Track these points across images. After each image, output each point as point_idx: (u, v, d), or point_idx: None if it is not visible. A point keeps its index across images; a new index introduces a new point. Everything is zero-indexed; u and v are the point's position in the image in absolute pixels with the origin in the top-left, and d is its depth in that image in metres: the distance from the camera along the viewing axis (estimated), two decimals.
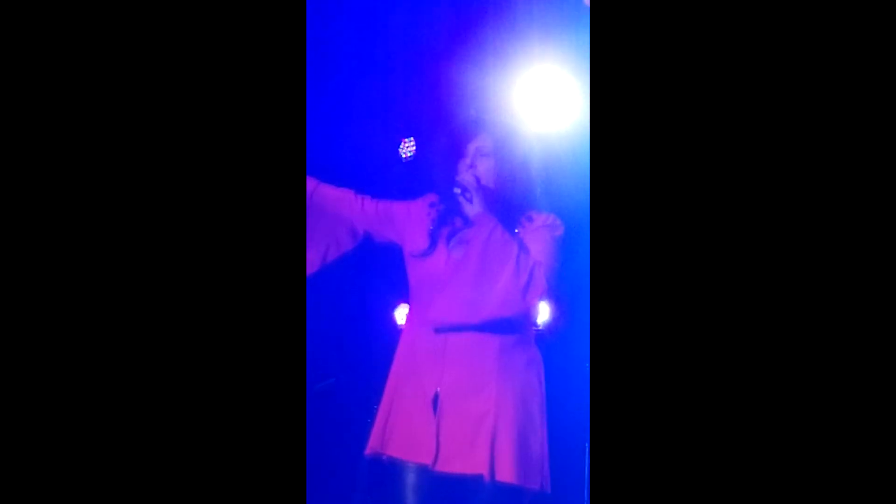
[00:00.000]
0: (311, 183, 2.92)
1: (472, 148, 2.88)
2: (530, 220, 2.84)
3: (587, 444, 4.23)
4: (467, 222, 2.87)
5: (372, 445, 2.77)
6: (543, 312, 4.06)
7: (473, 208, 2.80)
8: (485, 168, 2.86)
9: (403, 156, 4.74)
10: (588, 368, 4.21)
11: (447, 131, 2.99)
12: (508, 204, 2.86)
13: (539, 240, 2.78)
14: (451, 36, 4.28)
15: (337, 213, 2.94)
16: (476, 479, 2.66)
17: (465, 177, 2.83)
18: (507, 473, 2.65)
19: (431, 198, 2.94)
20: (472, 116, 3.01)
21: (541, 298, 2.74)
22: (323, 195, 2.94)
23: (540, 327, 2.91)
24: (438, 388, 2.72)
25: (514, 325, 2.78)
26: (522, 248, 2.73)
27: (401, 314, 4.11)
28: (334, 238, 2.93)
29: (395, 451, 2.73)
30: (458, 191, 2.81)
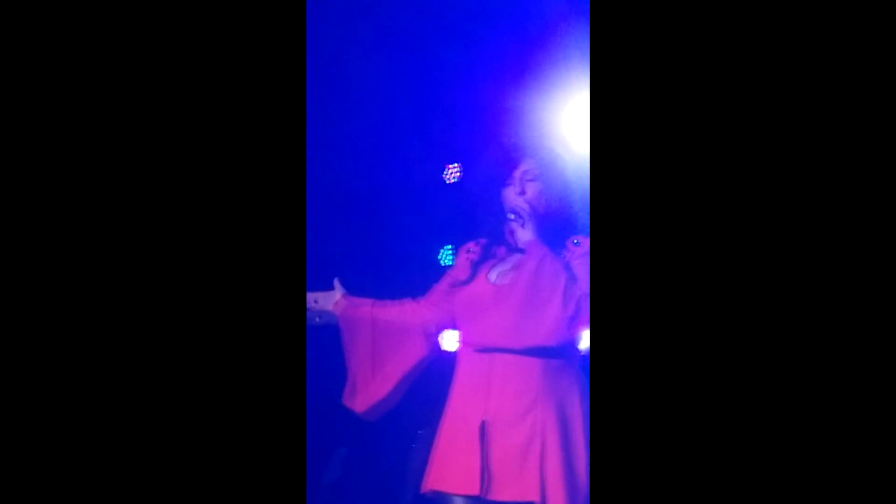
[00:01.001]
0: (363, 309, 2.95)
1: (518, 174, 2.88)
2: (577, 244, 2.83)
3: None
4: (511, 249, 2.87)
5: (430, 482, 2.78)
6: (587, 338, 4.03)
7: (525, 234, 2.81)
8: (534, 193, 2.86)
9: (448, 181, 4.76)
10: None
11: (493, 154, 2.98)
12: (556, 227, 2.86)
13: (586, 267, 2.75)
14: (494, 59, 4.29)
15: (403, 326, 2.96)
16: None
17: (518, 202, 2.83)
18: (557, 498, 2.64)
19: (470, 245, 2.96)
20: (511, 142, 2.99)
21: (586, 329, 2.74)
22: (384, 317, 2.96)
23: (584, 352, 2.89)
24: (485, 417, 2.71)
25: (559, 352, 2.77)
26: (570, 276, 2.73)
27: (446, 340, 4.12)
28: (406, 350, 2.94)
29: (448, 485, 2.73)
30: (511, 216, 2.82)
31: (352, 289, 3.01)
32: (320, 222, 3.11)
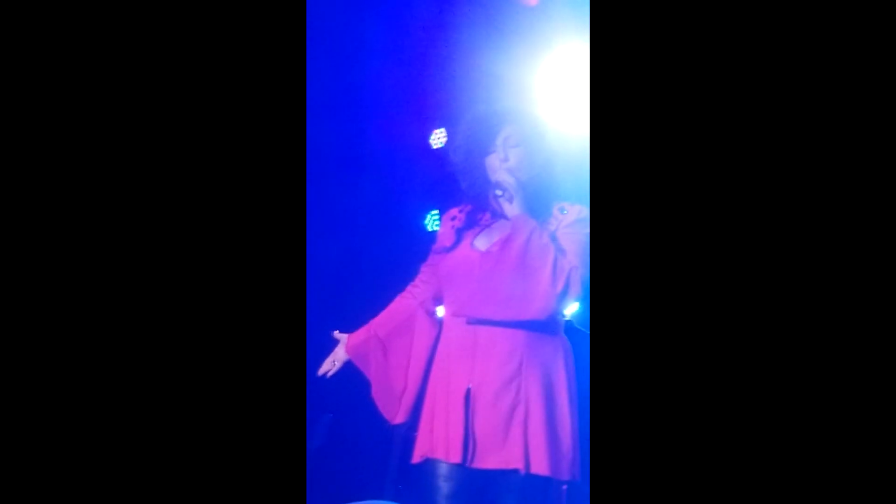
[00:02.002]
0: (364, 333, 2.96)
1: (500, 141, 2.86)
2: (563, 211, 2.82)
3: None
4: (496, 215, 2.86)
5: (420, 452, 2.79)
6: (572, 305, 4.04)
7: (513, 209, 2.80)
8: (517, 159, 2.84)
9: (434, 146, 4.75)
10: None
11: (474, 121, 2.95)
12: (541, 194, 2.85)
13: (573, 238, 2.77)
14: (471, 26, 4.27)
15: (406, 320, 2.97)
16: (511, 474, 2.67)
17: (504, 177, 2.81)
18: (541, 465, 2.65)
19: (454, 212, 2.96)
20: (483, 110, 2.97)
21: (575, 300, 2.75)
22: (385, 325, 2.97)
23: (567, 317, 2.89)
24: (470, 385, 2.72)
25: (547, 325, 2.78)
26: (559, 249, 2.73)
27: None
28: (419, 339, 2.95)
29: (437, 453, 2.74)
30: (499, 192, 2.81)
31: (339, 254, 3.00)
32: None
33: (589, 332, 3.79)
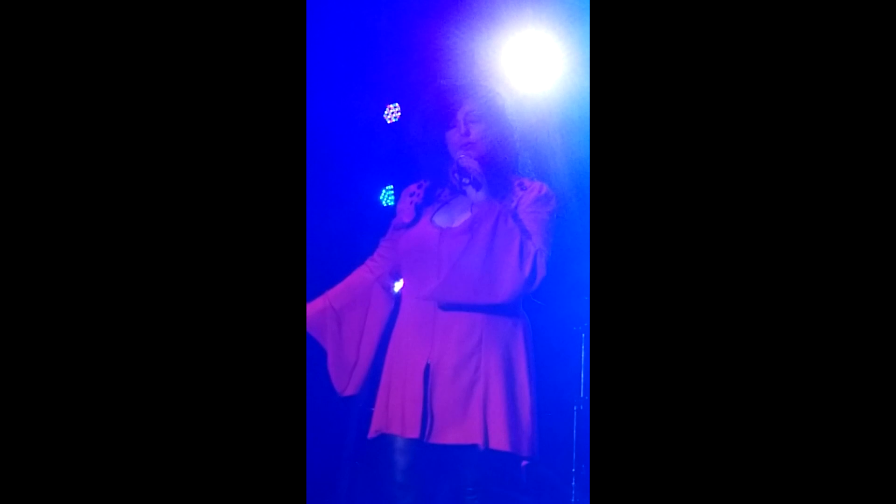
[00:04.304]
0: (319, 303, 2.92)
1: (461, 115, 2.85)
2: (523, 186, 2.82)
3: (576, 408, 4.27)
4: (455, 191, 2.86)
5: (376, 427, 2.78)
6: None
7: (479, 195, 2.79)
8: (478, 134, 2.84)
9: (388, 121, 4.74)
10: (579, 333, 4.21)
11: (433, 96, 2.94)
12: (501, 169, 2.85)
13: (535, 218, 2.77)
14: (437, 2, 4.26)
15: (361, 293, 2.95)
16: (470, 449, 2.67)
17: (467, 161, 2.80)
18: (500, 441, 2.65)
19: (413, 188, 2.96)
20: (443, 84, 2.97)
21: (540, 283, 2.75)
22: (341, 296, 2.95)
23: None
24: (429, 360, 2.72)
25: (510, 306, 2.79)
26: (524, 232, 2.73)
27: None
28: (373, 312, 2.93)
29: (394, 428, 2.73)
30: (466, 181, 2.79)
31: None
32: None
33: (541, 304, 3.82)
